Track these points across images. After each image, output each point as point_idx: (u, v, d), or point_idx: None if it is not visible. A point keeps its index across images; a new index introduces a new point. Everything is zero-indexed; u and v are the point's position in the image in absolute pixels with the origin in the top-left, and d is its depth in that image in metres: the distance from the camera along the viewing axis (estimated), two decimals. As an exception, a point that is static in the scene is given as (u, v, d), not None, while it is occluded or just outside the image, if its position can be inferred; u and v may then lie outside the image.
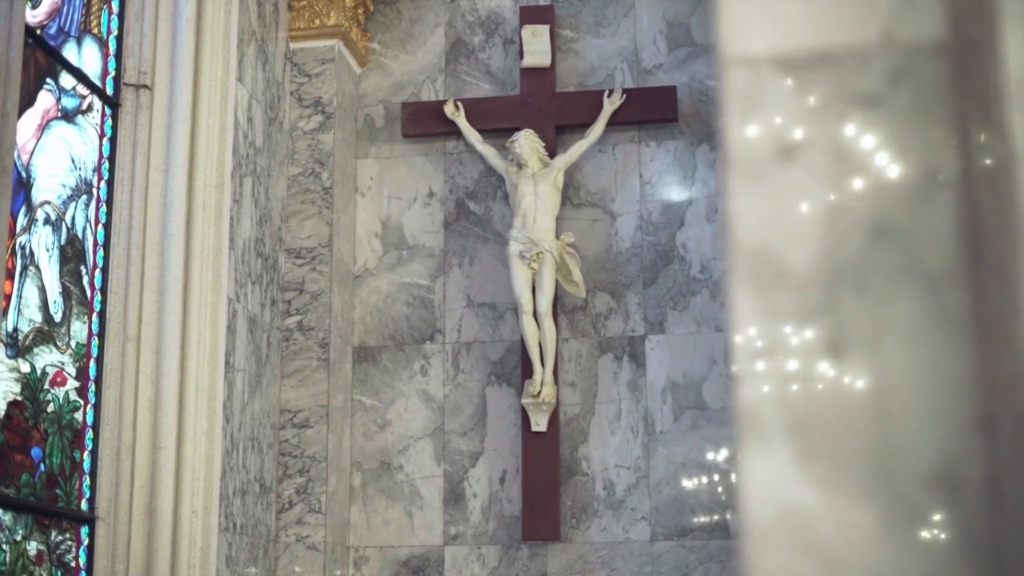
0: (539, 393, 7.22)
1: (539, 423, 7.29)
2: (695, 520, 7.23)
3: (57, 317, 5.58)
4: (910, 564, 1.18)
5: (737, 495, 1.22)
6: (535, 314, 7.33)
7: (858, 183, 1.26)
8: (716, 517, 7.21)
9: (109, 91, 6.11)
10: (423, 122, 7.89)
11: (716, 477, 7.25)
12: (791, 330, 1.24)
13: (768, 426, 1.22)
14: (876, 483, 1.20)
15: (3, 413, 5.15)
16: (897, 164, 1.26)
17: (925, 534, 1.18)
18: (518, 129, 7.57)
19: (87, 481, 5.73)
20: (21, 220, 5.35)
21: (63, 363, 5.60)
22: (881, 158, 1.26)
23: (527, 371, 7.37)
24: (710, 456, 7.28)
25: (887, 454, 1.20)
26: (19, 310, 5.31)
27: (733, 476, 7.23)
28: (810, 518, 1.20)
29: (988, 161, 1.22)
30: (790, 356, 1.24)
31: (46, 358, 5.48)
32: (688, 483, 7.28)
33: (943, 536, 1.18)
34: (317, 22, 7.66)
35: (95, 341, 5.84)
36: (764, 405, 1.23)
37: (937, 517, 1.19)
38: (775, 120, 1.28)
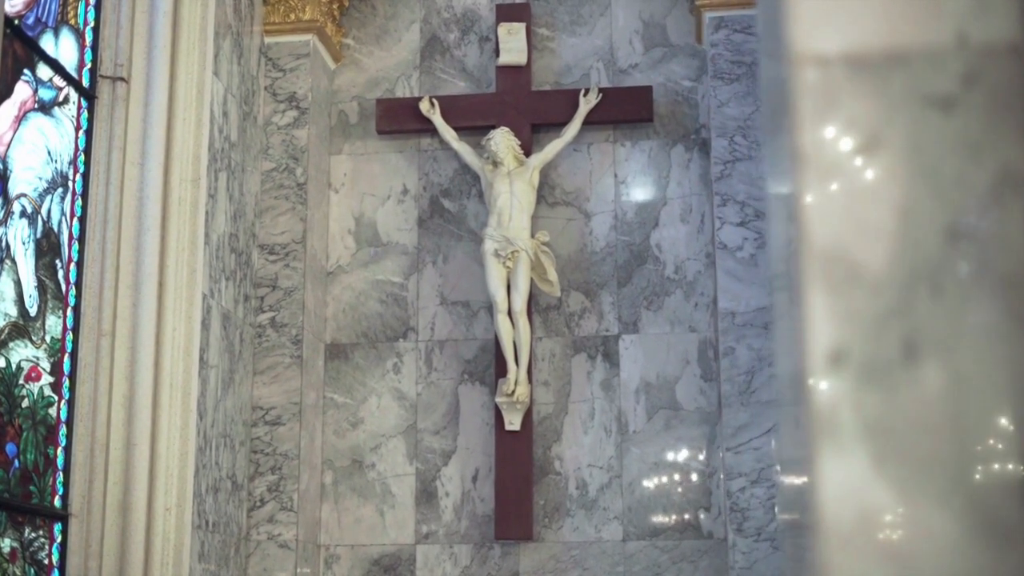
0: (513, 392, 7.20)
1: (513, 422, 7.27)
2: (667, 520, 7.24)
3: (32, 311, 5.51)
4: (990, 570, 1.17)
5: (810, 496, 1.21)
6: (509, 313, 7.31)
7: (932, 184, 1.25)
8: (688, 517, 7.22)
9: (85, 83, 6.03)
10: (398, 119, 7.86)
11: (689, 477, 7.26)
12: (866, 331, 1.23)
13: (844, 429, 1.21)
14: (954, 488, 1.19)
15: (-22, 408, 5.08)
16: (971, 166, 1.25)
17: (1005, 540, 1.18)
18: (494, 127, 7.55)
19: (60, 478, 5.66)
20: (-3, 213, 5.28)
21: (38, 358, 5.53)
22: (955, 160, 1.25)
23: (500, 370, 7.35)
24: (683, 456, 7.29)
25: (965, 458, 1.19)
26: (-6, 304, 5.23)
27: (694, 476, 7.24)
28: (888, 522, 1.18)
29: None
30: (865, 358, 1.23)
31: (21, 352, 5.41)
32: (661, 483, 7.29)
33: (1023, 543, 1.17)
34: (292, 17, 7.60)
35: (69, 336, 5.77)
36: (839, 408, 1.22)
37: (1017, 523, 1.18)
38: (848, 120, 1.27)
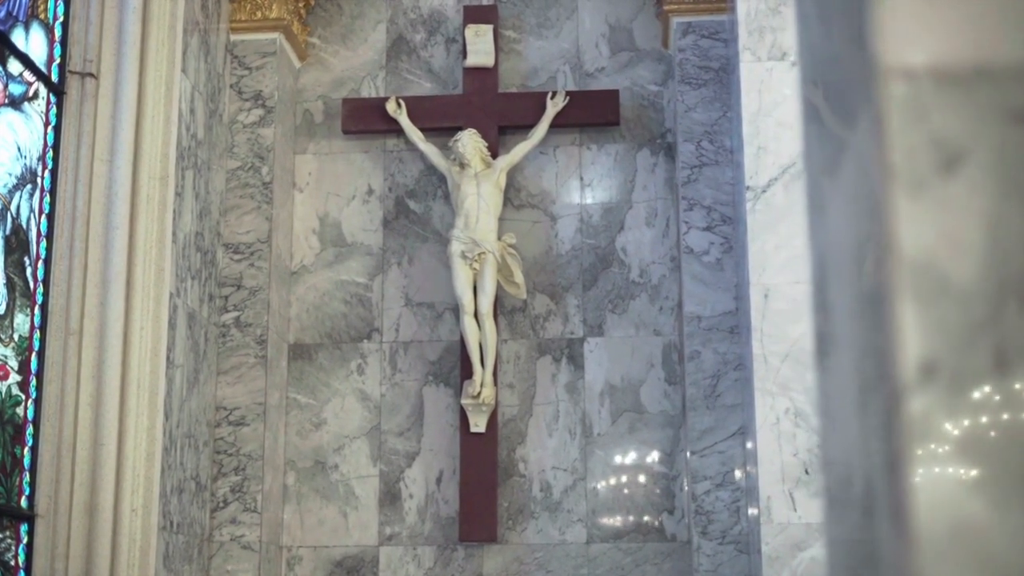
0: (479, 394, 7.19)
1: (478, 424, 7.26)
2: (631, 523, 7.26)
3: (1, 309, 5.43)
4: (1083, 580, 1.18)
5: (900, 509, 1.22)
6: (475, 315, 7.30)
7: (1020, 198, 1.27)
8: (652, 520, 7.24)
9: (54, 78, 5.96)
10: (364, 119, 7.82)
11: (652, 480, 7.29)
12: (957, 343, 1.24)
13: (937, 440, 1.22)
14: (1048, 498, 1.20)
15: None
16: (1058, 180, 1.26)
17: (1097, 550, 1.19)
18: (460, 128, 7.53)
19: (27, 478, 5.59)
20: (-33, 209, 5.20)
21: (6, 356, 5.46)
22: (1042, 174, 1.27)
23: (465, 371, 7.34)
24: (647, 459, 7.32)
25: (1057, 470, 1.21)
26: (-37, 301, 5.15)
27: (658, 479, 7.26)
28: (984, 534, 1.19)
29: None
30: (956, 369, 1.24)
31: (-11, 351, 5.34)
32: (624, 486, 7.31)
33: (1114, 552, 1.19)
34: (259, 15, 7.55)
35: (37, 334, 5.69)
36: (932, 419, 1.22)
37: (1109, 533, 1.19)
38: (935, 133, 1.28)
